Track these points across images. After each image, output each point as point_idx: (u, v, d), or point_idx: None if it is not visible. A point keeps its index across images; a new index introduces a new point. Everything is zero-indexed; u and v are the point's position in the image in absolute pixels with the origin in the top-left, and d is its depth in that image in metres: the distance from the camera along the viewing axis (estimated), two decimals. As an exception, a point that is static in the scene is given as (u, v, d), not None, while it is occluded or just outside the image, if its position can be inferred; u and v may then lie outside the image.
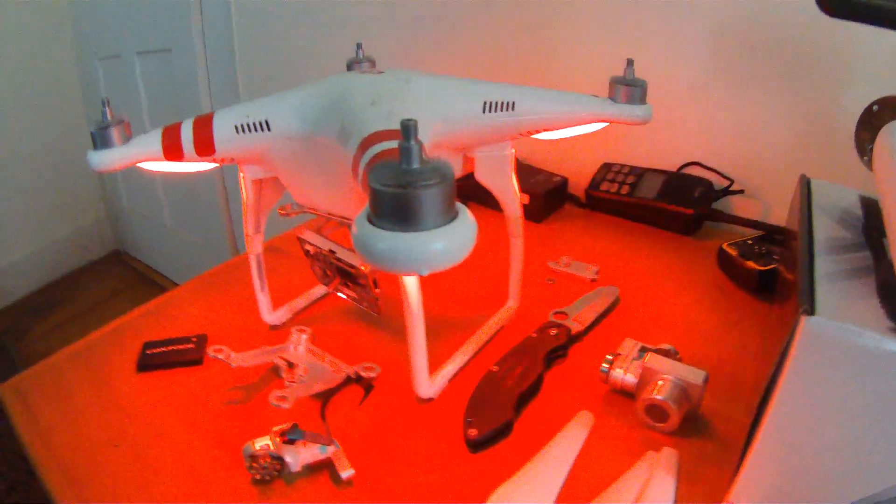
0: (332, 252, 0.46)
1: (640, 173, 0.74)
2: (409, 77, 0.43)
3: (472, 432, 0.41)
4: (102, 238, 2.08)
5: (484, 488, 0.38)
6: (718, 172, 0.73)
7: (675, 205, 0.69)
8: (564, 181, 0.79)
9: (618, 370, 0.43)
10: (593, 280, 0.62)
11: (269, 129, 0.41)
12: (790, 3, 0.63)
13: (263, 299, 0.54)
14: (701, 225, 0.70)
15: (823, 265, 0.35)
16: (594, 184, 0.76)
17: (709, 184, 0.71)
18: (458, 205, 0.24)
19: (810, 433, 0.31)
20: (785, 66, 0.66)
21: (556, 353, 0.50)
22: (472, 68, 0.93)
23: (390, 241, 0.21)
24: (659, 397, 0.40)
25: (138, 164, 0.42)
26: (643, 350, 0.45)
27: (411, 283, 0.40)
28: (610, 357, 0.45)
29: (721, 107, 0.72)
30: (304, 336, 0.51)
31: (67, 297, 1.85)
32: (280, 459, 0.39)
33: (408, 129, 0.21)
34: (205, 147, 0.42)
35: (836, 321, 0.28)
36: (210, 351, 0.47)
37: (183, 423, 0.45)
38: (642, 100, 0.45)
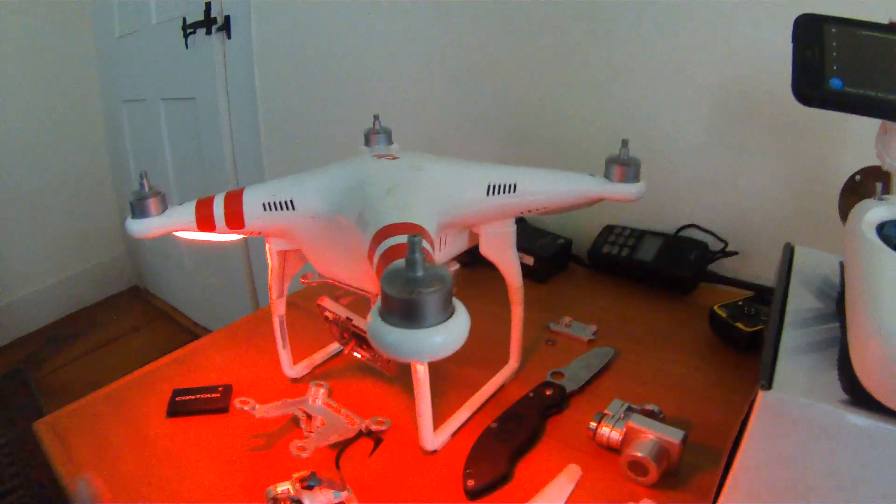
0: (349, 319, 0.54)
1: (639, 235, 0.82)
2: (421, 164, 0.51)
3: (470, 483, 0.48)
4: (122, 273, 2.20)
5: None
6: (714, 234, 0.80)
7: (672, 268, 0.76)
8: (568, 243, 0.86)
9: (604, 428, 0.50)
10: (591, 340, 0.69)
11: (293, 209, 0.49)
12: (787, 71, 0.72)
13: (285, 355, 0.62)
14: (696, 285, 0.77)
15: (791, 337, 0.41)
16: (596, 246, 0.84)
17: (704, 246, 0.78)
18: (455, 301, 0.32)
19: (769, 496, 0.36)
20: (780, 132, 0.74)
21: (551, 410, 0.57)
22: (481, 140, 1.02)
23: (397, 336, 0.28)
24: (640, 454, 0.46)
25: (174, 233, 0.50)
26: (629, 410, 0.52)
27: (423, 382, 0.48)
28: (598, 416, 0.52)
29: (719, 170, 0.80)
30: (321, 390, 0.59)
31: (86, 329, 1.95)
32: (299, 503, 0.46)
33: (413, 244, 0.29)
34: (235, 221, 0.49)
35: (790, 394, 0.34)
36: (237, 402, 0.55)
37: (210, 466, 0.52)
38: (636, 178, 0.53)
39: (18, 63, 1.77)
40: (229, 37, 1.35)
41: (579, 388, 0.59)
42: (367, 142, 0.66)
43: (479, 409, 0.58)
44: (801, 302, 0.46)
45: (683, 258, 0.77)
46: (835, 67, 0.45)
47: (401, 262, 0.30)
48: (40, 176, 1.90)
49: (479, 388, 0.60)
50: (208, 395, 0.60)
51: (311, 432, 0.55)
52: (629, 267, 0.80)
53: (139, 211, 0.48)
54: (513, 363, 0.63)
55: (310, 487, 0.46)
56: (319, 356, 0.66)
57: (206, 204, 0.50)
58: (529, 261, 0.83)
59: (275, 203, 0.50)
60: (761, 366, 0.37)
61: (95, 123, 1.98)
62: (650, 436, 0.47)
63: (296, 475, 0.47)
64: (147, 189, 0.48)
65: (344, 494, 0.47)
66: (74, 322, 2.02)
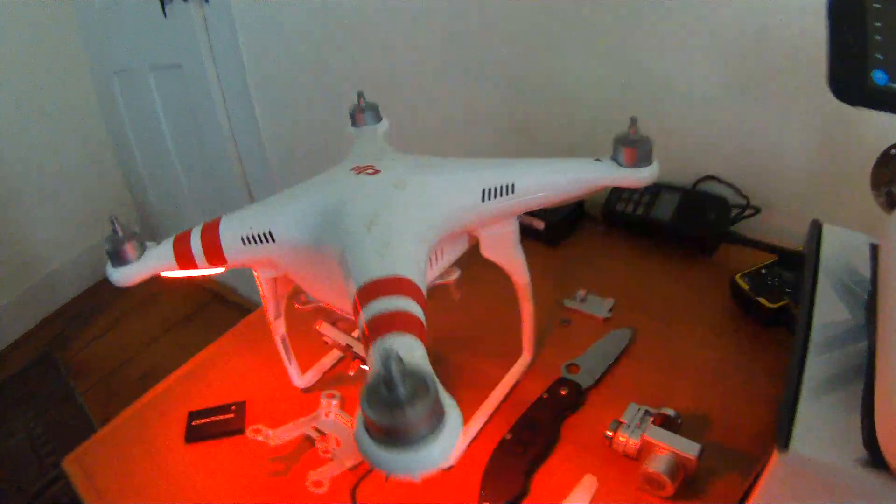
0: (349, 347, 0.53)
1: (655, 191, 0.77)
2: (404, 179, 0.47)
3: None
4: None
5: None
6: (734, 188, 0.75)
7: (691, 228, 0.72)
8: (580, 202, 0.82)
9: (620, 439, 0.49)
10: (607, 319, 0.67)
11: (273, 241, 0.47)
12: (812, 13, 0.64)
13: (292, 369, 0.61)
14: (717, 246, 0.73)
15: (815, 367, 0.38)
16: (610, 203, 0.79)
17: (724, 203, 0.73)
18: (445, 401, 0.30)
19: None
20: (806, 77, 0.67)
21: (567, 412, 0.56)
22: (479, 99, 0.95)
23: (386, 457, 0.27)
24: (655, 470, 0.46)
25: (161, 274, 0.48)
26: (646, 414, 0.51)
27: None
28: (614, 424, 0.50)
29: (738, 121, 0.73)
30: (333, 402, 0.59)
31: (107, 302, 1.99)
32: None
33: (388, 363, 0.27)
34: (215, 257, 0.47)
35: (808, 455, 0.32)
36: (249, 432, 0.55)
37: (231, 495, 0.54)
38: (648, 159, 0.48)
39: (3, 45, 1.73)
40: (207, 0, 1.28)
41: (595, 382, 0.58)
42: (354, 121, 0.62)
43: (495, 411, 0.57)
44: (828, 309, 0.43)
45: (703, 218, 0.72)
46: (879, 56, 0.38)
47: (378, 377, 0.28)
48: (43, 154, 1.88)
49: (493, 386, 0.60)
50: (223, 417, 0.60)
51: (326, 452, 0.55)
52: (645, 226, 0.76)
53: (116, 258, 0.46)
54: (526, 356, 0.62)
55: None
56: (328, 360, 0.66)
57: (184, 240, 0.47)
58: (540, 224, 0.80)
59: (253, 236, 0.47)
60: (779, 421, 0.35)
61: (88, 96, 1.95)
62: (666, 451, 0.46)
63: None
64: (121, 233, 0.46)
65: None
66: (95, 295, 2.06)
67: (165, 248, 0.47)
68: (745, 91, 0.71)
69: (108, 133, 2.02)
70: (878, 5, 0.39)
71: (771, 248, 0.67)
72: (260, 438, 0.55)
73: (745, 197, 0.75)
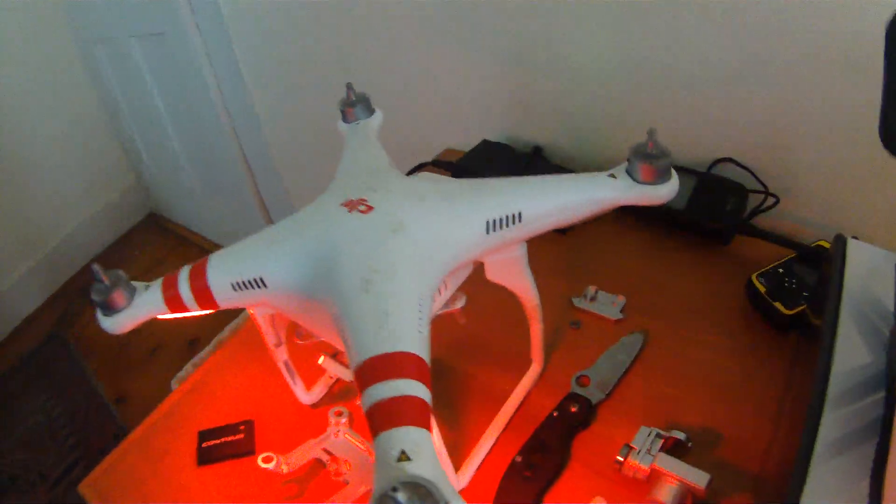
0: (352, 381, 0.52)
1: (668, 175, 0.74)
2: (401, 221, 0.44)
3: (499, 534, 0.49)
4: (136, 205, 2.20)
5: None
6: (751, 172, 0.72)
7: (706, 218, 0.70)
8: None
9: (629, 465, 0.49)
10: (619, 320, 0.65)
11: (266, 287, 0.45)
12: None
13: (297, 389, 0.61)
14: (733, 235, 0.71)
15: (830, 424, 0.37)
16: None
17: (742, 190, 0.70)
18: (452, 501, 0.29)
19: None
20: (835, 56, 0.62)
21: (577, 429, 0.56)
22: (479, 68, 0.90)
23: None
24: (664, 500, 0.46)
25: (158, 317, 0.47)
26: (657, 437, 0.50)
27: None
28: (625, 450, 0.50)
29: (758, 95, 0.69)
30: (342, 420, 0.59)
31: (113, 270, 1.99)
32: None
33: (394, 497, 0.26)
34: (206, 301, 0.45)
35: None
36: (260, 461, 0.55)
37: (246, 524, 0.55)
38: (667, 174, 0.44)
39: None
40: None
41: (606, 395, 0.58)
42: (345, 117, 0.59)
43: (505, 427, 0.58)
44: (848, 350, 0.42)
45: (719, 206, 0.69)
46: None
47: (387, 499, 0.27)
48: (35, 129, 1.85)
49: (503, 399, 0.59)
50: (233, 438, 0.61)
51: (338, 475, 0.56)
52: (659, 213, 0.73)
53: (106, 307, 0.44)
54: (536, 367, 0.61)
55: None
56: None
57: (172, 286, 0.45)
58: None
59: (244, 283, 0.45)
60: (790, 486, 0.35)
61: (74, 65, 1.88)
62: (675, 481, 0.46)
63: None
64: (106, 281, 0.44)
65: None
66: (100, 264, 2.06)
67: (154, 294, 0.45)
68: (768, 66, 0.66)
69: (99, 102, 1.97)
70: None
71: (790, 243, 0.65)
72: (271, 467, 0.55)
73: (763, 184, 0.71)
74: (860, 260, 0.50)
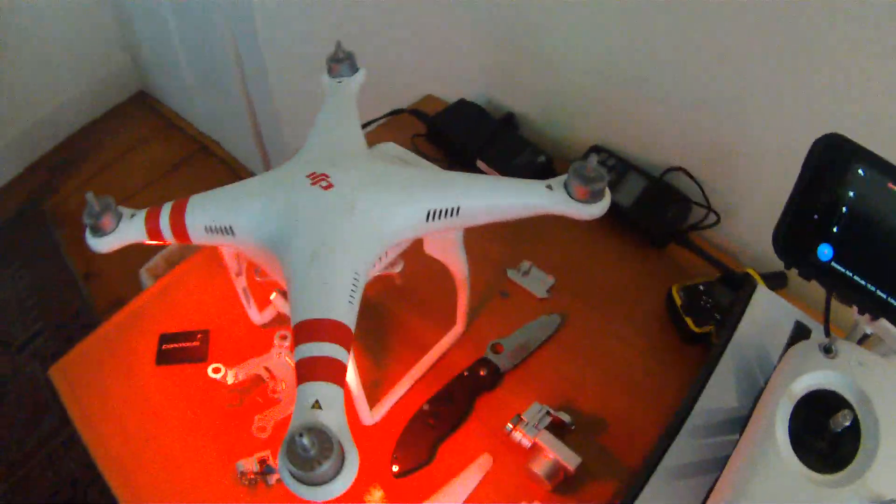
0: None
1: (623, 171, 0.82)
2: (353, 202, 0.52)
3: (395, 468, 0.61)
4: (126, 82, 2.20)
5: (401, 509, 0.59)
6: (700, 188, 0.79)
7: (647, 220, 0.78)
8: (549, 162, 0.86)
9: (517, 433, 0.60)
10: (543, 299, 0.75)
11: (233, 234, 0.53)
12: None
13: (251, 310, 0.71)
14: (667, 242, 0.79)
15: (678, 450, 0.46)
16: (579, 175, 0.84)
17: (686, 203, 0.78)
18: (348, 450, 0.39)
19: None
20: (802, 95, 0.66)
21: (482, 391, 0.66)
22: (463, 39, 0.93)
23: (297, 488, 0.37)
24: (537, 472, 0.57)
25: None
26: (546, 415, 0.61)
27: (351, 372, 0.56)
28: (515, 419, 0.61)
29: (724, 109, 0.74)
30: (285, 343, 0.70)
31: (96, 145, 2.03)
32: (261, 475, 0.60)
33: (303, 443, 0.36)
34: (181, 237, 0.54)
35: None
36: (210, 371, 0.66)
37: (194, 422, 0.66)
38: (600, 195, 0.51)
39: None
40: None
41: (514, 366, 0.68)
42: (329, 71, 0.66)
43: (421, 377, 0.68)
44: (720, 391, 0.50)
45: (661, 212, 0.78)
46: (834, 230, 0.37)
47: (295, 439, 0.37)
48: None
49: (425, 350, 0.69)
50: (189, 344, 0.71)
51: (274, 392, 0.67)
52: (607, 205, 0.81)
53: (94, 230, 0.52)
54: (458, 328, 0.71)
55: (268, 472, 0.59)
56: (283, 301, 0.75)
57: (154, 217, 0.54)
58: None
59: (215, 228, 0.53)
60: (625, 496, 0.44)
61: None
62: (550, 456, 0.58)
63: (258, 455, 0.61)
64: (97, 207, 0.52)
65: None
66: (84, 139, 2.09)
67: (138, 223, 0.53)
68: (738, 83, 0.71)
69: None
70: (861, 172, 0.37)
71: (718, 264, 0.74)
72: (218, 377, 0.66)
73: (707, 201, 0.79)
74: (764, 307, 0.58)
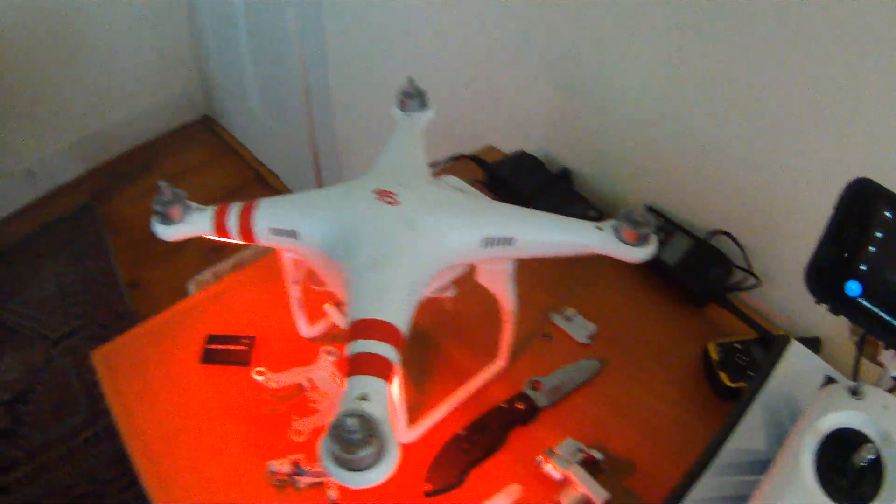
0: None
1: (671, 231, 0.84)
2: (416, 219, 0.55)
3: (427, 486, 0.62)
4: (194, 104, 2.34)
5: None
6: (744, 252, 0.81)
7: (690, 279, 0.80)
8: (599, 217, 0.89)
9: (549, 466, 0.61)
10: (584, 344, 0.76)
11: (297, 238, 0.57)
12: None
13: (301, 322, 0.74)
14: (707, 302, 0.81)
15: (704, 487, 0.47)
16: (627, 229, 0.87)
17: (728, 265, 0.80)
18: (390, 444, 0.41)
19: None
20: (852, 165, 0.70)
21: (518, 424, 0.67)
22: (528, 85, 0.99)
23: (336, 472, 0.39)
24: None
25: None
26: (579, 451, 0.62)
27: (395, 390, 0.58)
28: (549, 452, 0.62)
29: (771, 186, 0.77)
30: (330, 359, 0.72)
31: (155, 161, 2.14)
32: (292, 477, 0.62)
33: (349, 423, 0.38)
34: (246, 236, 0.58)
35: None
36: (254, 372, 0.69)
37: (230, 420, 0.68)
38: (646, 240, 0.54)
39: None
40: None
41: (551, 404, 0.69)
42: (401, 106, 0.70)
43: (459, 404, 0.70)
44: (749, 434, 0.52)
45: (704, 272, 0.79)
46: (863, 268, 0.40)
47: (343, 420, 0.39)
48: (114, 8, 1.97)
49: (465, 380, 0.71)
50: (235, 347, 0.74)
51: (314, 402, 0.69)
52: (651, 262, 0.83)
53: (164, 218, 0.56)
54: (500, 362, 0.73)
55: (299, 474, 0.61)
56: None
57: (222, 214, 0.58)
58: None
59: (281, 230, 0.57)
60: None
61: None
62: (580, 490, 0.58)
63: (291, 457, 0.62)
64: (169, 196, 0.56)
65: (326, 481, 0.62)
66: (146, 153, 2.20)
67: (206, 218, 0.57)
68: (791, 151, 0.73)
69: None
70: (889, 214, 0.41)
71: (755, 325, 0.75)
72: (261, 380, 0.68)
73: (748, 265, 0.81)
74: (796, 361, 0.59)
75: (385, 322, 0.48)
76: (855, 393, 0.45)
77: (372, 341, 0.47)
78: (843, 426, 0.44)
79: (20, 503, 1.35)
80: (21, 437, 1.46)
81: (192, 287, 1.21)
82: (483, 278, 0.63)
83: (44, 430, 1.48)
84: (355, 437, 0.39)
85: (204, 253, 1.76)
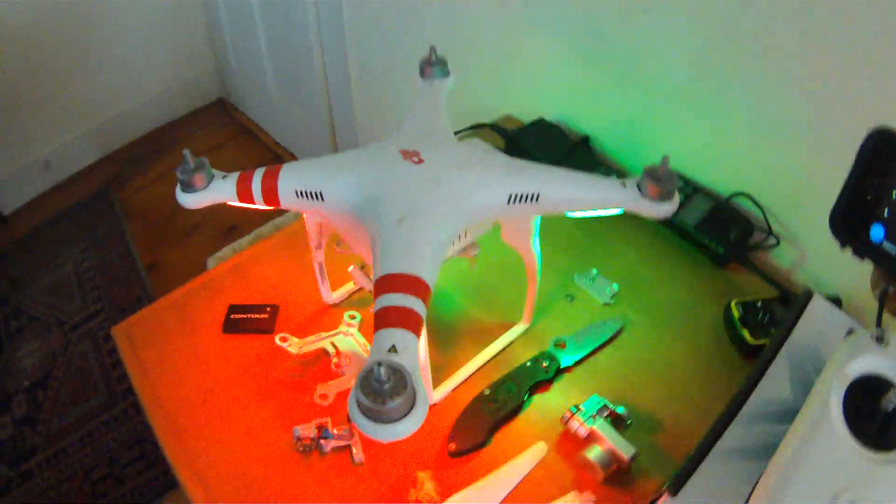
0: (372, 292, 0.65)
1: (690, 193, 0.84)
2: (441, 176, 0.56)
3: (452, 446, 0.62)
4: (209, 87, 2.34)
5: (454, 486, 0.60)
6: (765, 214, 0.81)
7: (711, 240, 0.79)
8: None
9: (574, 422, 0.61)
10: (607, 304, 0.77)
11: (323, 200, 0.57)
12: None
13: (324, 288, 0.74)
14: (728, 262, 0.80)
15: (733, 435, 0.47)
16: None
17: (749, 226, 0.80)
18: (419, 394, 0.41)
19: None
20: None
21: (542, 382, 0.68)
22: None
23: (365, 424, 0.39)
24: (592, 459, 0.58)
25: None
26: (603, 408, 0.62)
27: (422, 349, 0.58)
28: (574, 408, 0.62)
29: (793, 150, 0.76)
30: (354, 323, 0.72)
31: (171, 145, 2.15)
32: (317, 441, 0.63)
33: (378, 372, 0.39)
34: (271, 199, 0.57)
35: None
36: (277, 339, 0.69)
37: (254, 389, 0.68)
38: (670, 196, 0.54)
39: None
40: None
41: (574, 363, 0.70)
42: (422, 73, 0.70)
43: (483, 365, 0.70)
44: (775, 384, 0.52)
45: (724, 233, 0.79)
46: (885, 213, 0.40)
47: (373, 369, 0.40)
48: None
49: (490, 341, 0.72)
50: (258, 316, 0.75)
51: (338, 367, 0.69)
52: (671, 223, 0.83)
53: (186, 185, 0.56)
54: (524, 322, 0.73)
55: (325, 437, 0.62)
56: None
57: (246, 179, 0.58)
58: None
59: (306, 192, 0.57)
60: (680, 470, 0.45)
61: None
62: (606, 446, 0.58)
63: (316, 422, 0.63)
64: (192, 164, 0.56)
65: (350, 440, 0.62)
66: (161, 137, 2.21)
67: (229, 184, 0.57)
68: (810, 114, 0.73)
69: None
70: None
71: (777, 285, 0.75)
72: (284, 346, 0.69)
73: (768, 225, 0.80)
74: (819, 314, 0.59)
75: (413, 276, 0.48)
76: (880, 339, 0.45)
77: (400, 294, 0.47)
78: (869, 372, 0.44)
79: (42, 487, 1.37)
80: (41, 423, 1.48)
81: (211, 263, 1.22)
82: (508, 236, 0.63)
83: (63, 415, 1.50)
84: (385, 387, 0.39)
85: (218, 235, 1.78)
